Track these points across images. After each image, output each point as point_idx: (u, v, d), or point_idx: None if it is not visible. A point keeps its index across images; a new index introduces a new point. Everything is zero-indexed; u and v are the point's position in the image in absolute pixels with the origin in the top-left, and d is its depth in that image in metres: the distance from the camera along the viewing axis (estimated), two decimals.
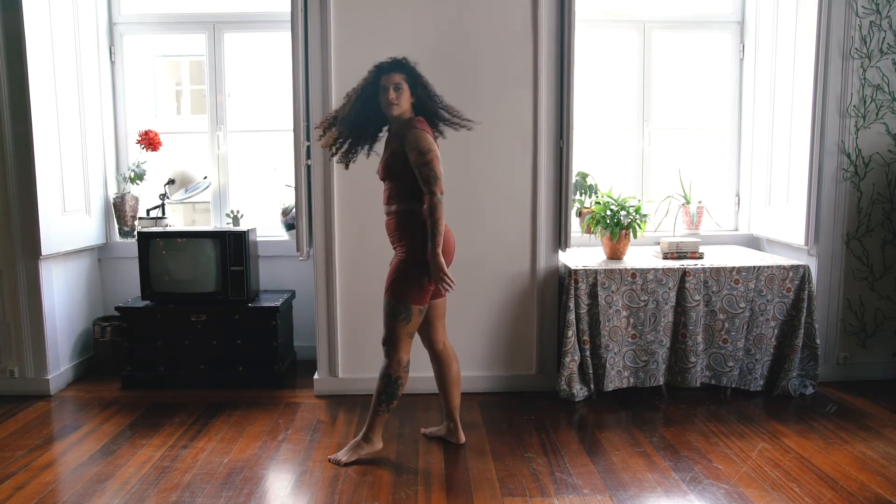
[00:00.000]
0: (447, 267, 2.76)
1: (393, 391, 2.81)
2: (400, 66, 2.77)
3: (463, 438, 3.04)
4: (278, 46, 4.42)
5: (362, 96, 2.80)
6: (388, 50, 3.41)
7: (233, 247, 3.82)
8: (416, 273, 2.75)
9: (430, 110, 2.81)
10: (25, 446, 3.06)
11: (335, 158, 2.94)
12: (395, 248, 2.85)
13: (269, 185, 4.45)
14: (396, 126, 2.80)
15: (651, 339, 3.54)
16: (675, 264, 3.57)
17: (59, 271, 3.84)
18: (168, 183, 4.20)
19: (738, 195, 4.45)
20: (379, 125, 2.89)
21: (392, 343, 2.80)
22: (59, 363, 3.84)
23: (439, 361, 3.00)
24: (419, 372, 3.54)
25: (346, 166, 2.92)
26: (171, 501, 2.54)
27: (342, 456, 2.86)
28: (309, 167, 3.55)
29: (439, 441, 3.08)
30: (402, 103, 2.75)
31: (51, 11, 3.65)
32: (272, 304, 3.84)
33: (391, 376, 2.80)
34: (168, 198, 4.22)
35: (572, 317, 3.48)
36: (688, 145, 4.55)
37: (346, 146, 2.86)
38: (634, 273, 3.52)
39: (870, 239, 3.78)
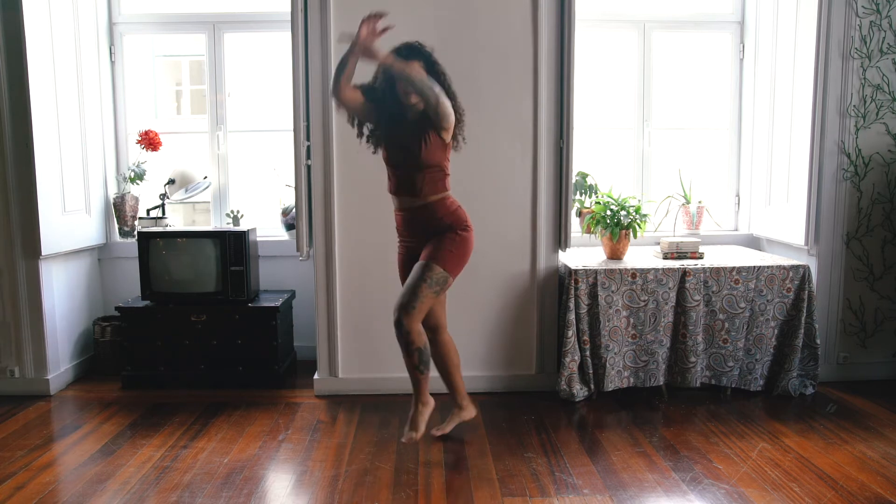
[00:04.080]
0: (459, 271, 2.90)
1: (426, 357, 2.84)
2: (418, 53, 2.77)
3: (474, 411, 3.11)
4: (278, 46, 4.42)
5: (380, 80, 2.82)
6: (388, 50, 3.42)
7: (233, 247, 3.82)
8: (465, 246, 2.85)
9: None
10: (25, 446, 3.06)
11: (362, 140, 2.95)
12: (422, 240, 2.88)
13: (269, 185, 4.45)
14: (416, 114, 2.80)
15: (651, 339, 3.54)
16: (675, 264, 3.57)
17: (59, 271, 3.84)
18: (168, 183, 4.20)
19: (738, 195, 4.45)
20: (396, 110, 2.85)
21: (413, 312, 2.75)
22: (59, 363, 3.84)
23: (447, 345, 3.05)
24: None
25: (374, 149, 2.95)
26: (171, 501, 2.55)
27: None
28: (309, 167, 3.55)
29: (439, 441, 3.07)
30: None
31: (51, 11, 3.65)
32: (272, 304, 3.84)
33: (420, 347, 2.80)
34: (168, 198, 4.22)
35: (572, 317, 3.48)
36: (688, 145, 4.55)
37: (365, 126, 2.91)
38: (634, 273, 3.52)
39: (870, 239, 3.78)
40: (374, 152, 2.96)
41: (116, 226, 4.29)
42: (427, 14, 3.49)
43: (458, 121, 2.86)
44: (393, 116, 2.86)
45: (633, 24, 4.32)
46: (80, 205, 3.97)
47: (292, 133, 3.49)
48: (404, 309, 2.76)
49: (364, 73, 2.82)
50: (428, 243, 2.87)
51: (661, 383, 3.60)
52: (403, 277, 3.01)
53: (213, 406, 3.54)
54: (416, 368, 2.85)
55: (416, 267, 2.82)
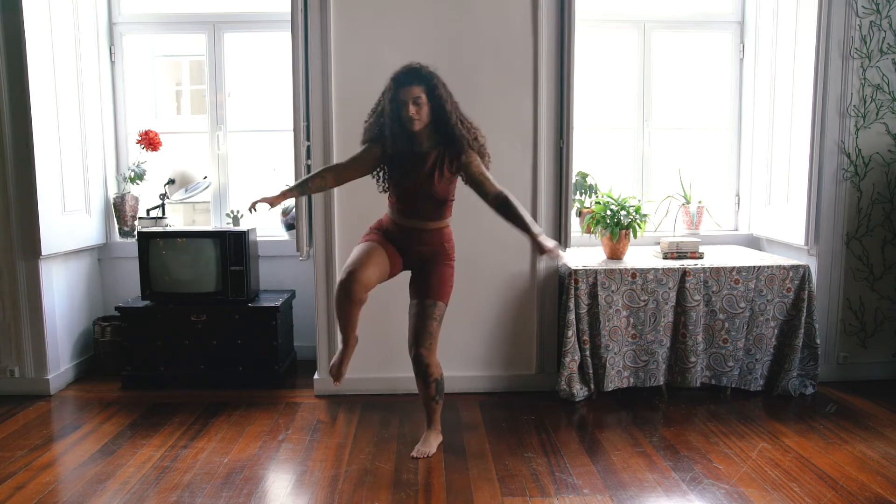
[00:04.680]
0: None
1: (442, 388, 2.94)
2: (418, 76, 2.65)
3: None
4: (278, 46, 4.42)
5: (383, 109, 2.72)
6: (389, 50, 3.42)
7: (233, 247, 3.82)
8: (454, 276, 2.94)
9: (447, 125, 2.69)
10: (25, 446, 3.06)
11: (381, 186, 2.86)
12: (409, 253, 2.88)
13: (269, 185, 4.45)
14: (436, 144, 2.75)
15: (651, 339, 3.54)
16: (675, 264, 3.57)
17: (59, 271, 3.84)
18: (168, 183, 4.20)
19: (738, 195, 4.45)
20: (407, 139, 2.74)
21: (429, 347, 2.85)
22: (59, 363, 3.84)
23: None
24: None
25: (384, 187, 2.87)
26: (171, 501, 2.55)
27: (425, 449, 2.94)
28: (309, 167, 3.55)
29: (439, 443, 3.07)
30: (424, 117, 2.67)
31: (51, 11, 3.65)
32: (272, 304, 3.84)
33: (439, 379, 2.91)
34: (168, 198, 4.22)
35: (572, 317, 3.48)
36: (688, 145, 4.55)
37: (386, 168, 2.81)
38: (634, 273, 3.52)
39: (870, 239, 3.78)
40: (383, 191, 2.88)
41: (116, 226, 4.29)
42: (427, 14, 3.49)
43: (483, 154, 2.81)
44: (405, 153, 2.76)
45: (633, 24, 4.32)
46: (80, 205, 3.97)
47: (292, 133, 3.49)
48: (421, 346, 2.83)
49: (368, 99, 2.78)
50: (421, 272, 2.87)
51: (661, 383, 3.60)
52: (372, 257, 2.79)
53: (213, 406, 3.54)
54: (432, 399, 2.94)
55: (421, 306, 2.83)
